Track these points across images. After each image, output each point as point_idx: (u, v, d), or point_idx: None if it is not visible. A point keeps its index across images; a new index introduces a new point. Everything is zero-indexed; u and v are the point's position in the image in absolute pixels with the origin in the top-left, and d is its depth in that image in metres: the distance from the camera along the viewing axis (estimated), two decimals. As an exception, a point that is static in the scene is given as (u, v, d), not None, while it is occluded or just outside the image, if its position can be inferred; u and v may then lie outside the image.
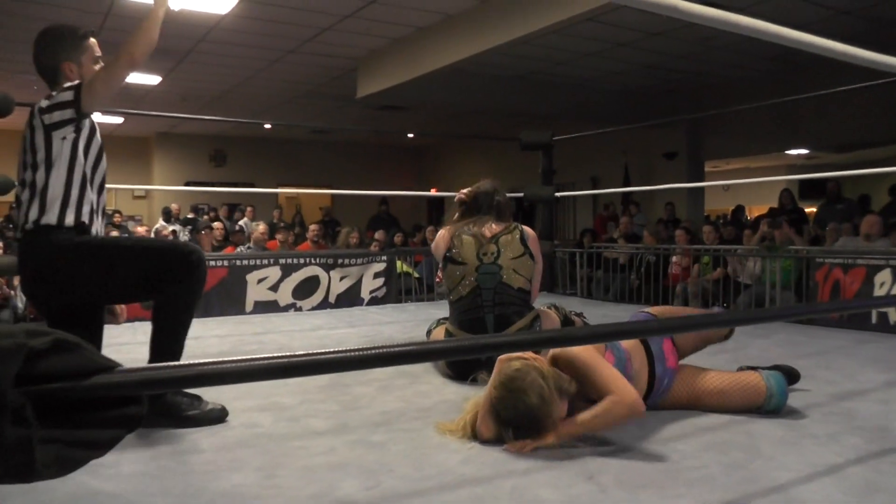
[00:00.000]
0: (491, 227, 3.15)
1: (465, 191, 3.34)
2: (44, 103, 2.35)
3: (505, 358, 2.03)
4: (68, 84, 2.38)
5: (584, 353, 2.05)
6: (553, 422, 1.97)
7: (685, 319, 2.30)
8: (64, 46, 2.46)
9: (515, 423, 1.99)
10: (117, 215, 11.92)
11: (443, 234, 3.24)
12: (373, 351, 1.08)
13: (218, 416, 2.34)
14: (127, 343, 3.84)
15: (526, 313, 3.07)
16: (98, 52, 2.54)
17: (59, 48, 2.45)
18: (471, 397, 2.24)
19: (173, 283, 2.30)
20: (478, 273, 3.05)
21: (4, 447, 0.72)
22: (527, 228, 3.22)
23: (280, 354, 0.98)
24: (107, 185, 2.56)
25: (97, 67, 2.47)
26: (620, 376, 2.04)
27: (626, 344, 2.28)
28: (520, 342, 1.39)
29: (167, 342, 2.33)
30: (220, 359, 0.95)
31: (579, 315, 3.59)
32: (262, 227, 8.07)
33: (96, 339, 2.51)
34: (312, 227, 8.59)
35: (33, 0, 7.17)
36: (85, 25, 2.58)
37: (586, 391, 2.07)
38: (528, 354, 2.02)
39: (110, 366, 0.83)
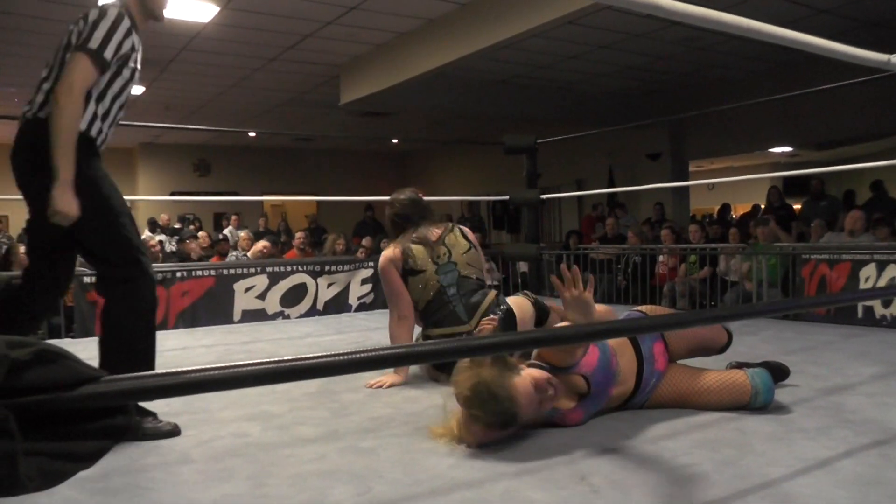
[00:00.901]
0: (433, 232, 3.24)
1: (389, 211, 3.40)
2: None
3: (456, 371, 2.08)
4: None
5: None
6: (526, 398, 2.02)
7: (674, 317, 2.31)
8: None
9: (501, 422, 2.00)
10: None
11: (388, 255, 3.20)
12: (362, 354, 1.07)
13: (170, 432, 2.30)
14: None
15: (488, 293, 3.23)
16: None
17: None
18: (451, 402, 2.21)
19: (118, 280, 2.36)
20: (438, 275, 3.15)
21: (-12, 461, 0.71)
22: (460, 226, 3.40)
23: (269, 360, 0.97)
24: None
25: None
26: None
27: (612, 341, 2.28)
28: (505, 343, 1.38)
29: (115, 348, 2.33)
30: (208, 366, 0.94)
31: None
32: (243, 234, 8.03)
33: (67, 274, 2.56)
34: (299, 234, 8.56)
35: (20, 12, 7.12)
36: None
37: (571, 382, 2.17)
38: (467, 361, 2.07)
39: (95, 376, 0.82)
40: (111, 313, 2.37)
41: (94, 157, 2.46)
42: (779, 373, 2.66)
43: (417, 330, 3.34)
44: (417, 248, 3.17)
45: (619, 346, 2.30)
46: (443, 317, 3.14)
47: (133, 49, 2.50)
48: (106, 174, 2.50)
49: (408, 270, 3.15)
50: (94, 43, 2.34)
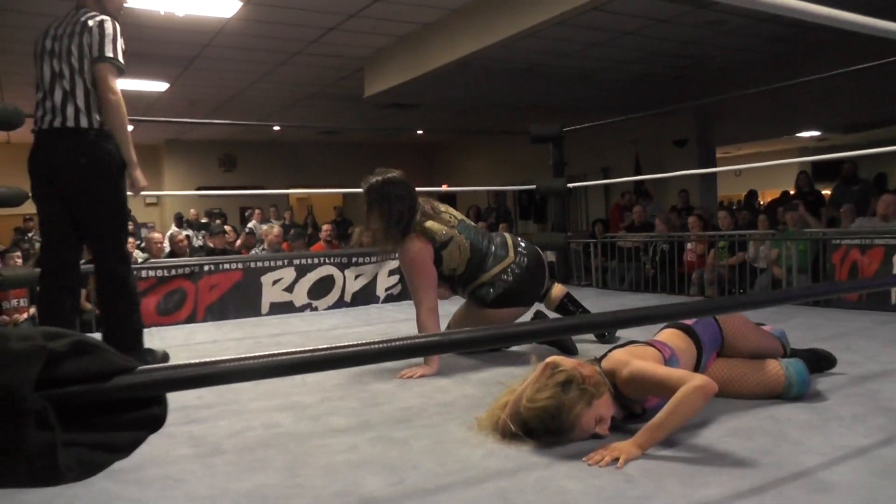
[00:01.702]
0: (427, 203, 3.30)
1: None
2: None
3: (549, 368, 2.00)
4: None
5: (640, 364, 2.02)
6: (581, 432, 1.96)
7: (705, 303, 2.27)
8: None
9: (545, 442, 1.96)
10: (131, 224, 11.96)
11: (418, 246, 3.12)
12: (395, 343, 1.07)
13: (164, 356, 3.17)
14: (145, 349, 3.85)
15: (500, 232, 3.51)
16: None
17: None
18: (503, 391, 2.18)
19: (113, 273, 3.00)
20: (462, 234, 3.22)
21: (28, 452, 0.71)
22: None
23: (301, 349, 0.97)
24: None
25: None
26: (678, 370, 2.03)
27: (680, 354, 2.23)
28: (542, 330, 1.37)
29: (114, 326, 3.02)
30: (242, 356, 0.94)
31: None
32: (276, 229, 8.08)
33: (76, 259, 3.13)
34: (325, 227, 8.60)
35: (38, 13, 7.20)
36: None
37: (629, 405, 2.10)
38: (571, 363, 2.01)
39: (130, 366, 0.82)
40: (108, 299, 3.03)
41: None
42: (825, 362, 2.62)
43: (451, 311, 3.44)
44: (432, 224, 3.17)
45: (683, 354, 2.24)
46: (488, 263, 3.23)
47: None
48: None
49: (438, 248, 3.15)
50: (112, 52, 2.94)
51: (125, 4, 3.17)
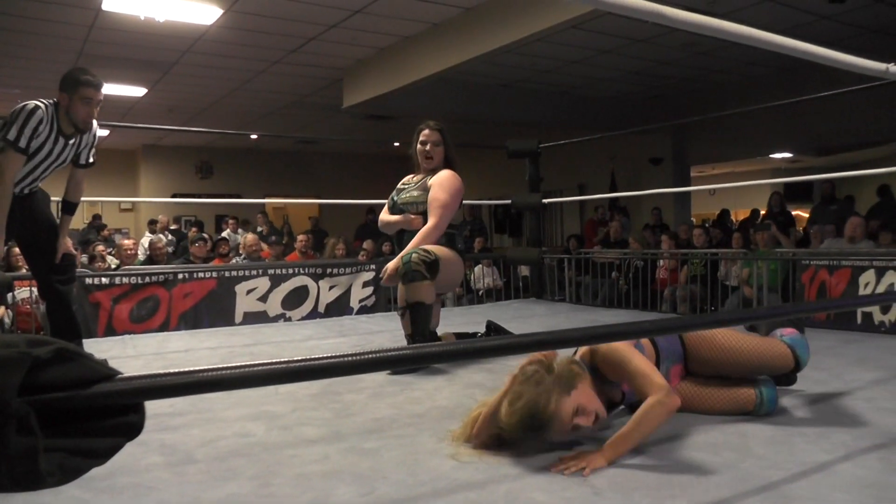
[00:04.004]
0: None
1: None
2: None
3: (520, 373, 2.02)
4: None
5: (618, 344, 2.08)
6: (561, 425, 1.97)
7: (678, 321, 2.31)
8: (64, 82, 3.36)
9: (524, 438, 1.98)
10: (107, 230, 11.88)
11: (461, 182, 3.74)
12: (366, 356, 1.09)
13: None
14: (117, 356, 3.83)
15: None
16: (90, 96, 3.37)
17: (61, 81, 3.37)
18: (476, 405, 2.21)
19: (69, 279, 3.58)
20: None
21: (10, 456, 0.73)
22: None
23: (276, 360, 0.99)
24: (95, 198, 3.61)
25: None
26: (655, 370, 2.07)
27: (645, 344, 2.28)
28: (516, 345, 1.40)
29: (65, 324, 3.52)
30: (217, 366, 0.96)
31: None
32: (250, 236, 8.04)
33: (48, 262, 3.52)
34: (300, 237, 8.57)
35: (20, 14, 7.16)
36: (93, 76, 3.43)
37: (609, 391, 2.16)
38: (540, 356, 2.04)
39: (111, 374, 0.84)
40: (65, 302, 3.56)
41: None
42: (783, 379, 2.64)
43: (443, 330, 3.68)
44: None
45: (647, 347, 2.29)
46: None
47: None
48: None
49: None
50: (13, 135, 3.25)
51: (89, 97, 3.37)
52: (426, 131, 3.81)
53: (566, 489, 1.74)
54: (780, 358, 2.38)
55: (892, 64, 1.92)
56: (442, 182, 3.64)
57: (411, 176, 3.92)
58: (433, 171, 3.74)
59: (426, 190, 3.65)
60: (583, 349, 2.18)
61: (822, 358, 3.45)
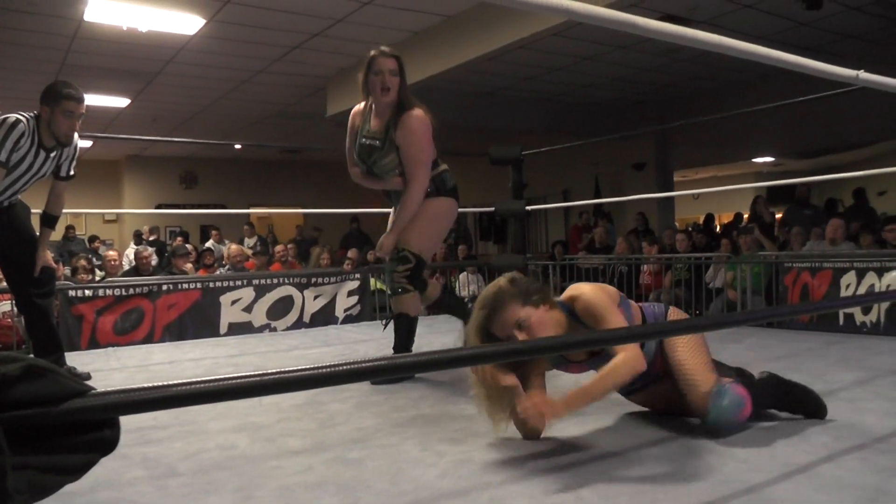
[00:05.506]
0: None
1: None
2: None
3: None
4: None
5: (600, 300, 2.14)
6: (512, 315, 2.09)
7: (658, 326, 2.30)
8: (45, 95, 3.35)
9: (486, 318, 2.11)
10: (97, 242, 11.81)
11: (426, 116, 3.49)
12: (348, 367, 1.09)
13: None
14: (100, 369, 3.80)
15: None
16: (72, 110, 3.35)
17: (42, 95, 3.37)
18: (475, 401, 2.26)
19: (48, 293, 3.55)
20: None
21: (-23, 475, 0.72)
22: None
23: (255, 373, 0.99)
24: (78, 210, 3.42)
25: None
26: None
27: (633, 310, 2.34)
28: (497, 353, 1.40)
29: (44, 337, 3.53)
30: (195, 379, 0.95)
31: None
32: (234, 247, 8.00)
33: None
34: (279, 247, 8.53)
35: (1, 25, 7.11)
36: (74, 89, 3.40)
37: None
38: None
39: (83, 390, 0.83)
40: (44, 315, 3.53)
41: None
42: (813, 406, 2.35)
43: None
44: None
45: (636, 314, 2.36)
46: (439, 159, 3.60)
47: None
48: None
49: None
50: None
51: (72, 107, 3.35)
52: (381, 59, 3.33)
53: (549, 496, 1.74)
54: (696, 391, 2.19)
55: (862, 71, 1.94)
56: (410, 137, 3.32)
57: (361, 108, 3.56)
58: (390, 107, 3.38)
59: (395, 147, 3.34)
60: (565, 294, 2.26)
61: (805, 359, 3.48)
